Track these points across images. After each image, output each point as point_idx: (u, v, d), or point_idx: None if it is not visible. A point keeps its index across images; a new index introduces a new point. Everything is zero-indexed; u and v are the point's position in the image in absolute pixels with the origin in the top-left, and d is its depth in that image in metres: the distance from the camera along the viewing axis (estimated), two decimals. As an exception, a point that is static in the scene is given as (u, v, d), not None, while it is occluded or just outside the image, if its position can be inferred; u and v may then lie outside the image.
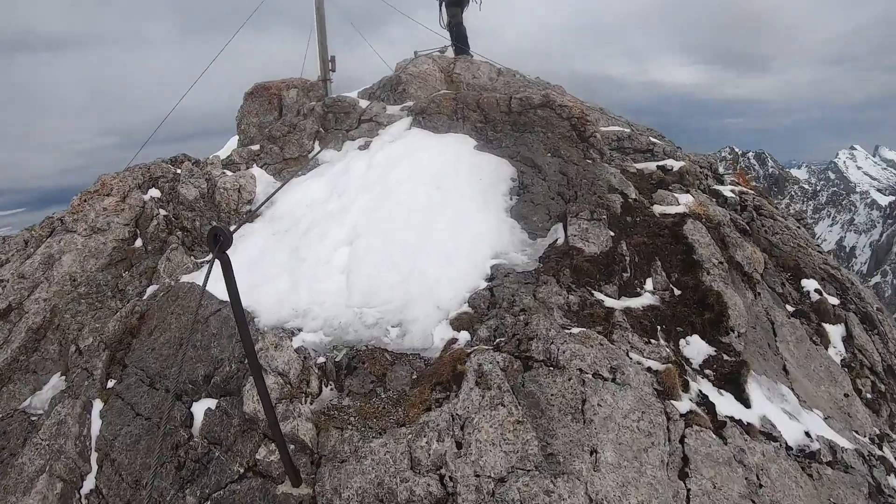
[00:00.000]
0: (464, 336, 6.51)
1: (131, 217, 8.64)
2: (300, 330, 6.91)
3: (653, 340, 6.22)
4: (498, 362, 5.64)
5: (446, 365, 5.90)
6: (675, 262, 7.53)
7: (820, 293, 8.20)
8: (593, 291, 6.93)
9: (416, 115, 10.64)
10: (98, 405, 6.79)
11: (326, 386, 6.17)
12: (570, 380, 5.39)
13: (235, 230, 4.39)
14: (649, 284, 7.22)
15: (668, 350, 6.06)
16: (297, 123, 10.71)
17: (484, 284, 7.19)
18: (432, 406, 5.50)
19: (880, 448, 6.64)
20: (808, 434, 5.86)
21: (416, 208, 8.26)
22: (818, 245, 10.15)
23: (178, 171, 9.64)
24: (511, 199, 8.73)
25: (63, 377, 7.31)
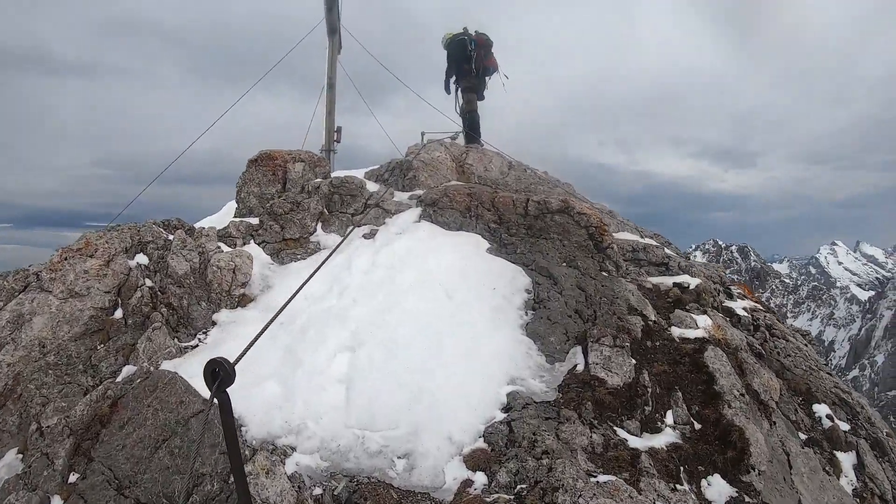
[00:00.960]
0: (480, 478, 5.86)
1: (114, 284, 7.91)
2: (294, 450, 6.20)
3: (678, 487, 5.83)
4: (522, 517, 4.97)
5: (463, 514, 5.23)
6: (695, 392, 7.19)
7: (832, 419, 7.99)
8: (616, 428, 6.46)
9: (427, 207, 10.15)
10: (57, 502, 5.95)
11: (323, 525, 5.45)
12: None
13: (237, 362, 3.87)
14: (670, 418, 6.83)
15: (693, 498, 5.71)
16: (300, 202, 10.13)
17: (500, 416, 6.58)
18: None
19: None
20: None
21: (425, 321, 7.68)
22: (826, 365, 9.88)
23: (171, 237, 8.96)
24: (526, 313, 8.19)
25: (20, 456, 6.52)
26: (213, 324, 8.19)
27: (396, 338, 7.42)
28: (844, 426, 8.01)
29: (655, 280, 9.60)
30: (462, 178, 12.04)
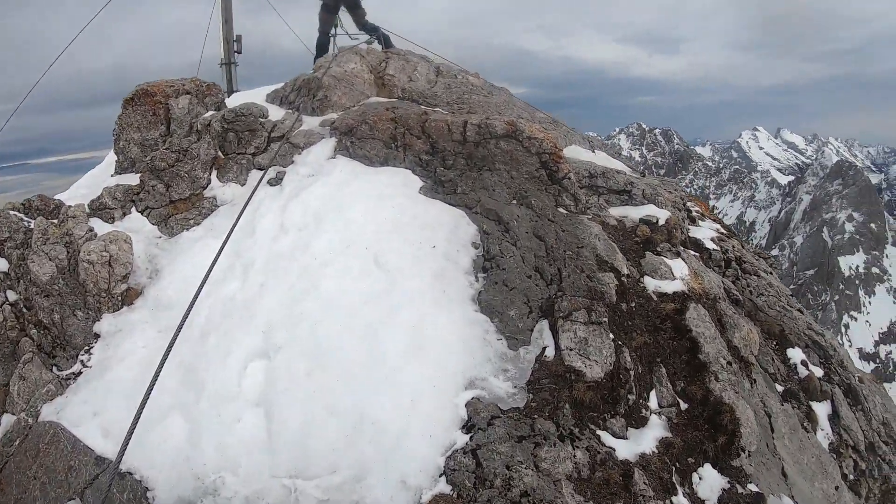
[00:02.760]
0: None
1: (-33, 311, 6.25)
2: None
3: (673, 500, 5.26)
4: None
5: None
6: (679, 364, 6.44)
7: (806, 365, 7.62)
8: (599, 432, 5.58)
9: (342, 137, 8.41)
10: None
11: None
12: None
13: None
14: (654, 400, 6.06)
15: None
16: (188, 148, 8.24)
17: (462, 439, 5.27)
18: None
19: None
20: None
21: (353, 308, 6.18)
22: (796, 301, 9.24)
23: (32, 224, 7.15)
24: (476, 278, 6.76)
25: None
26: (96, 337, 6.60)
27: (319, 338, 5.94)
28: (818, 371, 7.67)
29: (618, 212, 8.28)
30: (383, 92, 10.16)
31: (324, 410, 5.39)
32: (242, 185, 8.25)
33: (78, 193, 8.66)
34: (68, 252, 6.78)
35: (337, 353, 5.77)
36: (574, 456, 5.15)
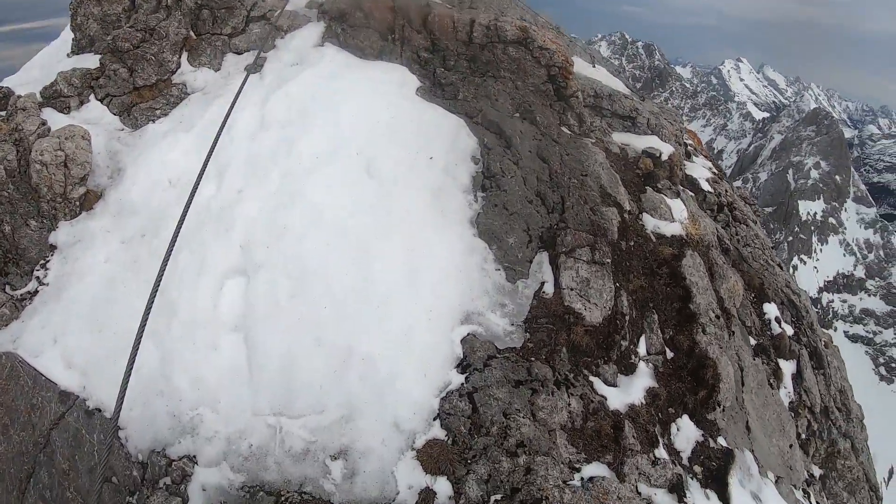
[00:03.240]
0: (443, 488, 4.44)
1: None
2: (194, 462, 4.52)
3: (655, 452, 5.29)
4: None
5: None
6: (670, 312, 6.43)
7: (779, 322, 7.77)
8: (592, 378, 5.48)
9: (332, 22, 7.60)
10: None
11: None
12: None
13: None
14: (643, 346, 6.01)
15: (671, 469, 5.23)
16: (155, 27, 7.24)
17: (458, 379, 4.95)
18: None
19: (808, 497, 6.80)
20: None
21: (342, 221, 5.58)
22: (776, 256, 9.46)
23: (-19, 121, 6.29)
24: (476, 198, 6.23)
25: None
26: (52, 248, 5.91)
27: (304, 256, 5.36)
28: (790, 330, 7.87)
29: (621, 139, 7.82)
30: (377, -27, 9.20)
31: (309, 340, 4.91)
32: (216, 70, 7.39)
33: (30, 77, 7.62)
34: (18, 151, 5.97)
35: (324, 274, 5.22)
36: (569, 405, 5.00)
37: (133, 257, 5.53)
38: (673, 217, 6.87)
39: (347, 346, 4.84)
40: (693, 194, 7.96)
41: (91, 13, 7.60)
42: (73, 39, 7.83)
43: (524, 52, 7.03)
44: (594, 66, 9.71)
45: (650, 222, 6.70)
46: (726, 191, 8.86)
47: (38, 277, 5.69)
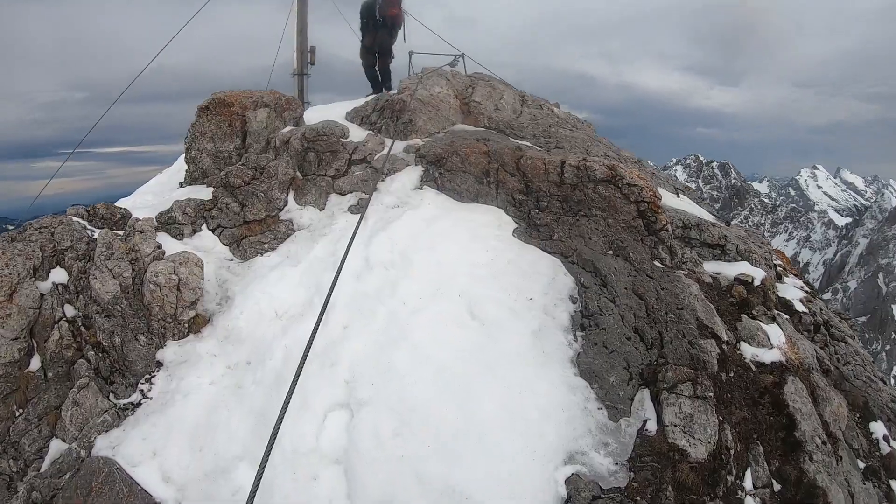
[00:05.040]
0: None
1: (22, 325, 5.77)
2: None
3: None
4: None
5: None
6: (775, 442, 6.04)
7: (888, 440, 7.20)
8: None
9: (430, 166, 7.96)
10: None
11: None
12: None
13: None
14: (749, 481, 5.59)
15: None
16: (265, 166, 7.80)
17: None
18: None
19: None
20: None
21: (445, 362, 5.61)
22: (879, 370, 8.88)
23: (97, 234, 6.73)
24: (575, 337, 6.18)
25: None
26: (159, 365, 6.09)
27: (407, 394, 5.38)
28: None
29: (712, 268, 7.74)
30: (468, 119, 9.71)
31: (411, 477, 4.86)
32: (321, 209, 7.79)
33: (144, 201, 8.25)
34: (133, 270, 6.33)
35: (427, 413, 5.23)
36: (676, 551, 4.70)
37: (237, 383, 5.70)
38: (771, 343, 6.69)
39: (450, 485, 4.77)
40: (788, 317, 7.76)
41: (205, 148, 8.23)
42: (186, 171, 8.46)
43: (614, 189, 7.20)
44: (679, 196, 9.86)
45: (748, 351, 6.53)
46: (821, 309, 8.59)
47: (142, 390, 5.85)
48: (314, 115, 9.57)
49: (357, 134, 8.89)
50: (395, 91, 10.17)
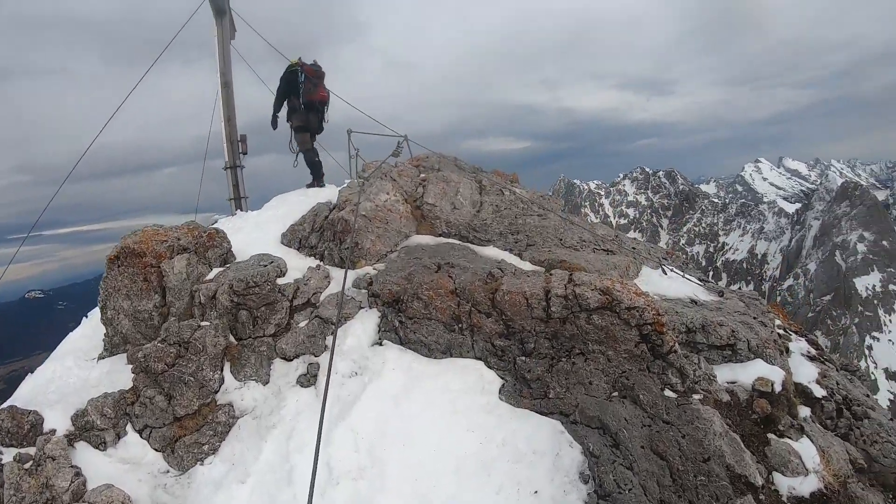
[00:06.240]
0: None
1: None
2: None
3: None
4: None
5: None
6: None
7: None
8: None
9: (387, 309, 6.79)
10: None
11: None
12: None
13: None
14: None
15: None
16: (190, 339, 6.41)
17: None
18: None
19: None
20: None
21: None
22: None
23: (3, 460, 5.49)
24: (594, 529, 5.09)
25: None
26: None
27: None
28: None
29: (725, 375, 6.75)
30: (423, 226, 8.49)
31: None
32: (265, 383, 6.50)
33: (61, 387, 6.80)
34: (40, 517, 5.03)
35: None
36: None
37: None
38: (806, 468, 5.84)
39: None
40: (810, 410, 6.95)
41: (121, 307, 7.02)
42: (104, 336, 7.19)
43: (611, 316, 6.11)
44: (665, 273, 8.84)
45: (783, 484, 5.66)
46: (837, 383, 7.79)
47: None
48: (245, 241, 8.24)
49: (296, 264, 7.64)
50: (332, 199, 8.92)
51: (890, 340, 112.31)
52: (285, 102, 11.99)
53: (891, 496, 6.44)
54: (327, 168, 11.92)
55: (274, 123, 12.26)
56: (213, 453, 5.97)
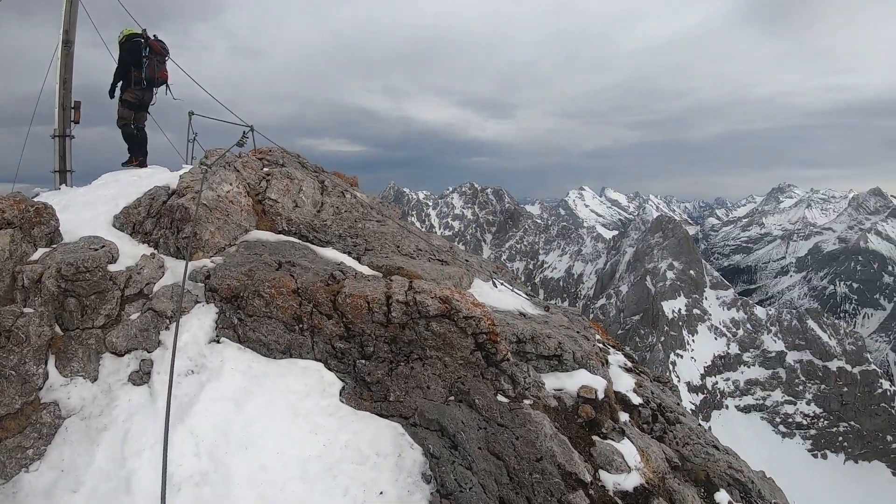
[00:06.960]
0: None
1: None
2: None
3: None
4: None
5: None
6: None
7: None
8: None
9: (225, 305, 6.67)
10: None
11: None
12: None
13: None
14: None
15: None
16: (11, 327, 5.88)
17: None
18: None
19: None
20: None
21: None
22: (712, 437, 9.01)
23: None
24: (438, 535, 5.35)
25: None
26: None
27: None
28: None
29: (553, 383, 7.30)
30: (264, 222, 8.34)
31: None
32: (93, 380, 6.12)
33: None
34: None
35: None
36: None
37: None
38: (629, 465, 6.44)
39: None
40: (628, 415, 7.75)
41: None
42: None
43: (449, 324, 6.43)
44: (496, 286, 9.28)
45: (609, 481, 6.22)
46: (652, 393, 8.65)
47: None
48: (73, 221, 7.68)
49: (129, 251, 7.27)
50: (171, 184, 8.51)
51: (692, 357, 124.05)
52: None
53: (703, 490, 7.22)
54: (158, 148, 11.34)
55: (112, 93, 11.67)
56: (39, 458, 5.55)
